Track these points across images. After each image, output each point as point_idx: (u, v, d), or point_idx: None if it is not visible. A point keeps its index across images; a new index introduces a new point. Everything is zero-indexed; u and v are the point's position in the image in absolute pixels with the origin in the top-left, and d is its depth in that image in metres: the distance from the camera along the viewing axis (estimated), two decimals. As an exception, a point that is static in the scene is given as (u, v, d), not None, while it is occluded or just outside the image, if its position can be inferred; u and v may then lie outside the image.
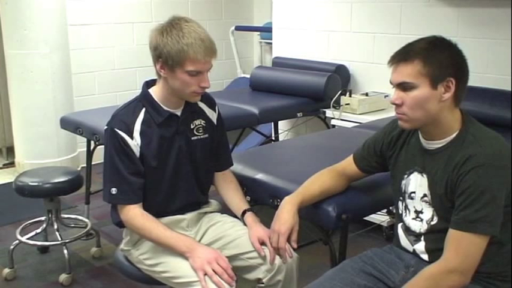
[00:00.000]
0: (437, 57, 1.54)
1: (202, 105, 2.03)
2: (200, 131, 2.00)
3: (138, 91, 2.00)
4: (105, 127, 1.92)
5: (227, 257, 1.85)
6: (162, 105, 1.92)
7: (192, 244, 1.84)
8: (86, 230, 3.16)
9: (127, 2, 4.91)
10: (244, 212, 1.99)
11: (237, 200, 2.04)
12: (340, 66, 3.87)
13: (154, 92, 1.94)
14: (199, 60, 1.80)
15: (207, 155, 2.03)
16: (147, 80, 2.00)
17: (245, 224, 1.97)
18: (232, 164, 2.14)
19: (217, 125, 2.07)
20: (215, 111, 2.07)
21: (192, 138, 1.98)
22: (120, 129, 1.87)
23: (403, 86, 1.57)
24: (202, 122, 2.01)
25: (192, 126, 1.99)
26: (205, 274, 1.76)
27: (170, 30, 1.80)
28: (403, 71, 1.56)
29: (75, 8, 4.60)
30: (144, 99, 1.94)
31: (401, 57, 1.57)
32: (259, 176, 2.12)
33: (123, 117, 1.90)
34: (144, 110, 1.92)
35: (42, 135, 4.34)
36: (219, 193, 2.11)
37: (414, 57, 1.54)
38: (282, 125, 4.34)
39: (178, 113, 1.95)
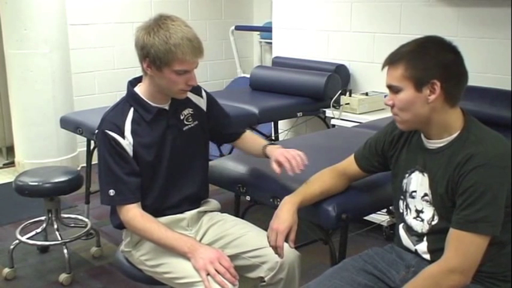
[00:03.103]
0: (421, 60, 1.56)
1: (188, 94, 2.01)
2: (190, 120, 2.01)
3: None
4: (96, 131, 1.92)
5: (229, 256, 1.85)
6: (149, 102, 1.93)
7: (193, 244, 1.84)
8: (85, 229, 3.16)
9: (127, 2, 4.91)
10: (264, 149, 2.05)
11: (256, 145, 2.10)
12: (340, 66, 3.87)
13: (141, 90, 1.94)
14: (187, 61, 1.81)
15: (201, 141, 2.05)
16: (129, 79, 2.00)
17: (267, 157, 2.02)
18: (244, 129, 2.18)
19: (209, 105, 2.09)
20: (202, 97, 2.08)
21: (184, 128, 1.99)
22: (110, 130, 1.87)
23: (392, 89, 1.61)
24: (190, 110, 2.02)
25: (181, 117, 1.99)
26: (208, 274, 1.76)
27: (157, 30, 1.80)
28: (391, 74, 1.60)
29: (75, 8, 4.60)
30: (131, 99, 1.94)
31: (387, 61, 1.62)
32: (259, 176, 2.12)
33: (112, 118, 1.91)
34: (132, 109, 1.92)
35: (42, 135, 4.34)
36: (247, 153, 2.18)
37: (399, 61, 1.58)
38: (282, 124, 4.34)
39: (167, 107, 1.96)
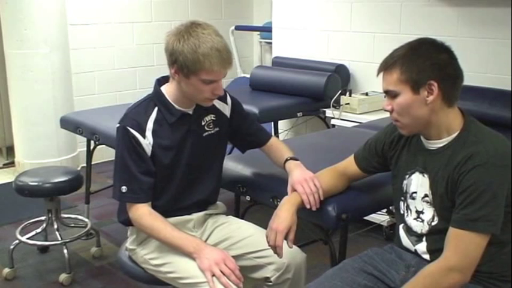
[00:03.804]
0: (415, 63, 1.56)
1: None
2: (211, 126, 1.99)
3: (138, 91, 2.01)
4: (117, 125, 1.91)
5: (233, 256, 1.85)
6: (174, 104, 1.92)
7: (199, 245, 1.84)
8: (85, 229, 3.16)
9: (127, 2, 4.91)
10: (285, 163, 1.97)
11: (278, 157, 2.03)
12: (340, 66, 3.87)
13: (167, 91, 1.93)
14: (215, 71, 1.80)
15: (218, 149, 2.04)
16: (158, 77, 1.98)
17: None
18: (270, 136, 2.12)
19: (233, 112, 2.05)
20: (226, 103, 2.05)
21: (204, 134, 1.97)
22: (132, 128, 1.86)
23: (389, 94, 1.61)
24: (213, 116, 2.00)
25: (203, 123, 1.98)
26: (213, 275, 1.75)
27: (187, 37, 1.78)
28: (386, 79, 1.60)
29: (75, 8, 4.60)
30: (156, 98, 1.93)
31: (382, 66, 1.62)
32: (259, 176, 2.12)
33: (135, 115, 1.90)
34: (156, 109, 1.91)
35: (42, 135, 4.34)
36: (272, 162, 2.09)
37: (393, 65, 1.58)
38: (282, 124, 4.34)
39: (190, 111, 1.95)
